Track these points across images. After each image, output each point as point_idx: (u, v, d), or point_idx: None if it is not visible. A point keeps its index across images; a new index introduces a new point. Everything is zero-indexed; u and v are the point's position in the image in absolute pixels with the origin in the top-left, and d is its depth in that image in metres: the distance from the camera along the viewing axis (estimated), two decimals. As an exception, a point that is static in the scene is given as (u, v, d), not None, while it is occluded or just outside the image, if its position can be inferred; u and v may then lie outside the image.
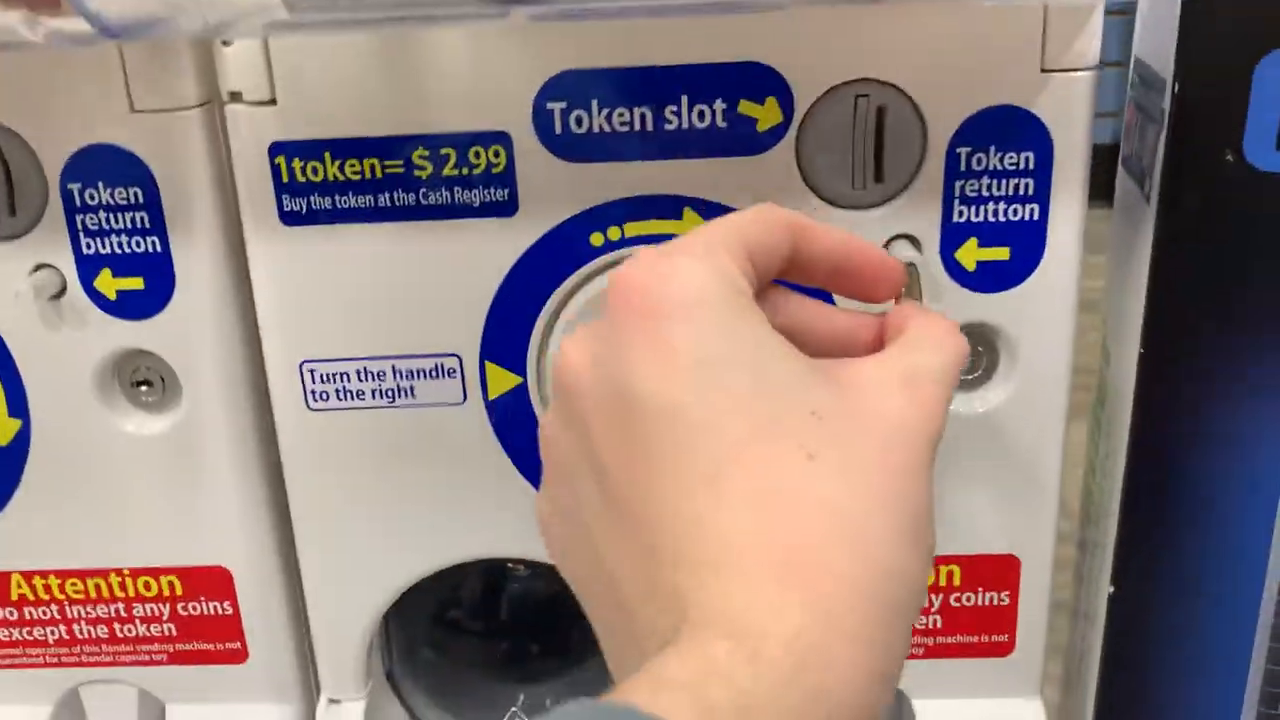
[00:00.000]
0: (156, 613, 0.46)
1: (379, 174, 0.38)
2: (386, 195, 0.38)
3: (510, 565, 0.54)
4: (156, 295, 0.40)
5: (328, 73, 0.37)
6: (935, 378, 0.26)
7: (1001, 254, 0.38)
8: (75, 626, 0.46)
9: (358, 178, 0.38)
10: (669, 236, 0.38)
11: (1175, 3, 0.36)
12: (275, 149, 0.38)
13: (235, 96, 0.37)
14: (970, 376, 0.40)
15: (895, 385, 0.26)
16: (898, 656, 0.23)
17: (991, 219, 0.38)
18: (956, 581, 0.43)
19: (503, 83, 0.37)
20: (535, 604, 0.55)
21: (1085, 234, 0.39)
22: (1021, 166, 0.37)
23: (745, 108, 0.37)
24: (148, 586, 0.45)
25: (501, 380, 0.41)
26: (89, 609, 0.46)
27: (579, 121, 0.37)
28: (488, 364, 0.40)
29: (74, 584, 0.46)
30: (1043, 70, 0.36)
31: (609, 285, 0.26)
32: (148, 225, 0.39)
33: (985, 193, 0.38)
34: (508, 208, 0.38)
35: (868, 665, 0.22)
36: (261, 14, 0.30)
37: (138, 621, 0.46)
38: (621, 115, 0.37)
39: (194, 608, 0.46)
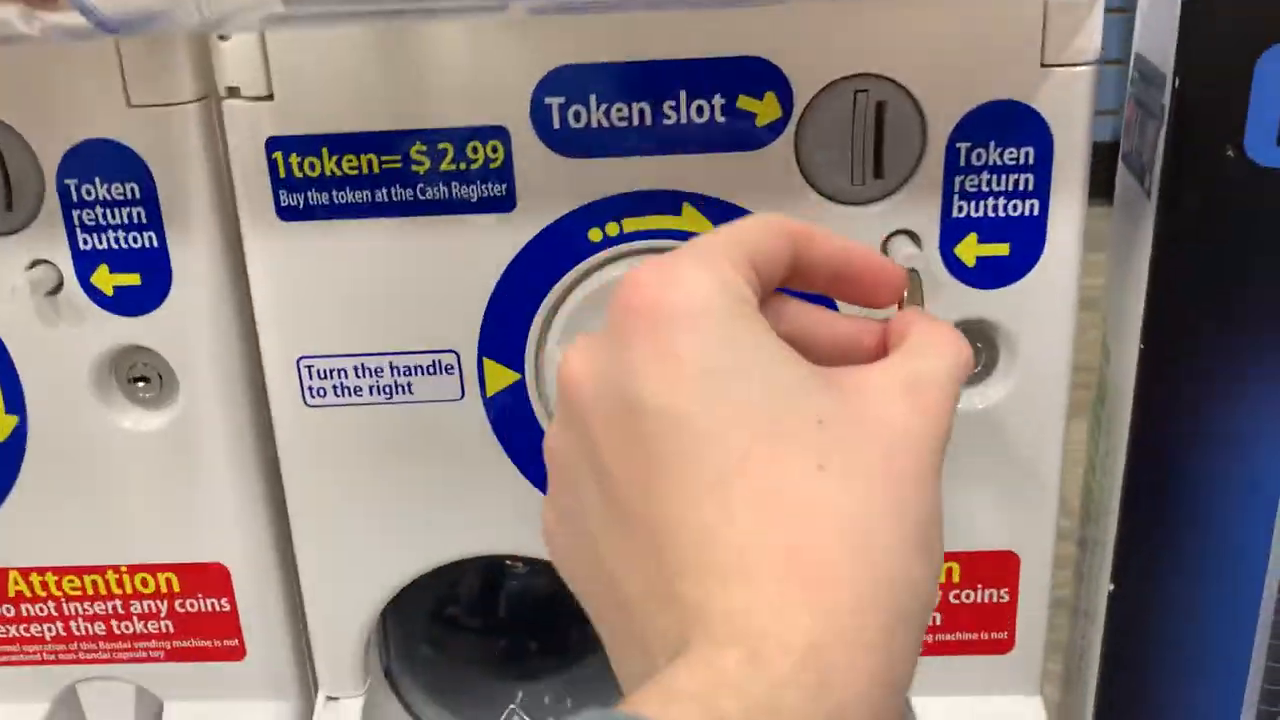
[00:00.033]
0: (154, 609, 0.46)
1: (376, 169, 0.38)
2: (384, 190, 0.38)
3: (508, 562, 0.54)
4: (153, 291, 0.40)
5: (325, 68, 0.37)
6: (939, 383, 0.26)
7: (1001, 250, 0.38)
8: (73, 623, 0.46)
9: (355, 173, 0.38)
10: (667, 232, 0.38)
11: (1176, -2, 0.35)
12: (272, 144, 0.38)
13: (232, 92, 0.37)
14: (970, 373, 0.40)
15: (899, 392, 0.26)
16: (907, 664, 0.23)
17: (991, 214, 0.38)
18: (956, 578, 0.43)
19: (500, 77, 0.36)
20: (533, 601, 0.55)
21: (1085, 232, 0.38)
22: (1021, 162, 0.37)
23: (744, 103, 0.37)
24: (145, 583, 0.45)
25: (499, 376, 0.40)
26: (86, 606, 0.46)
27: (577, 116, 0.37)
28: (486, 360, 0.40)
29: (71, 581, 0.45)
30: (1043, 65, 0.36)
31: (613, 295, 0.26)
32: (144, 221, 0.39)
33: (985, 188, 0.37)
34: (505, 203, 0.38)
35: (877, 674, 0.22)
36: (258, 8, 0.30)
37: (135, 618, 0.46)
38: (620, 110, 0.37)
39: (191, 605, 0.45)
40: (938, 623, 0.44)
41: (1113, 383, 0.43)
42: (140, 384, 0.42)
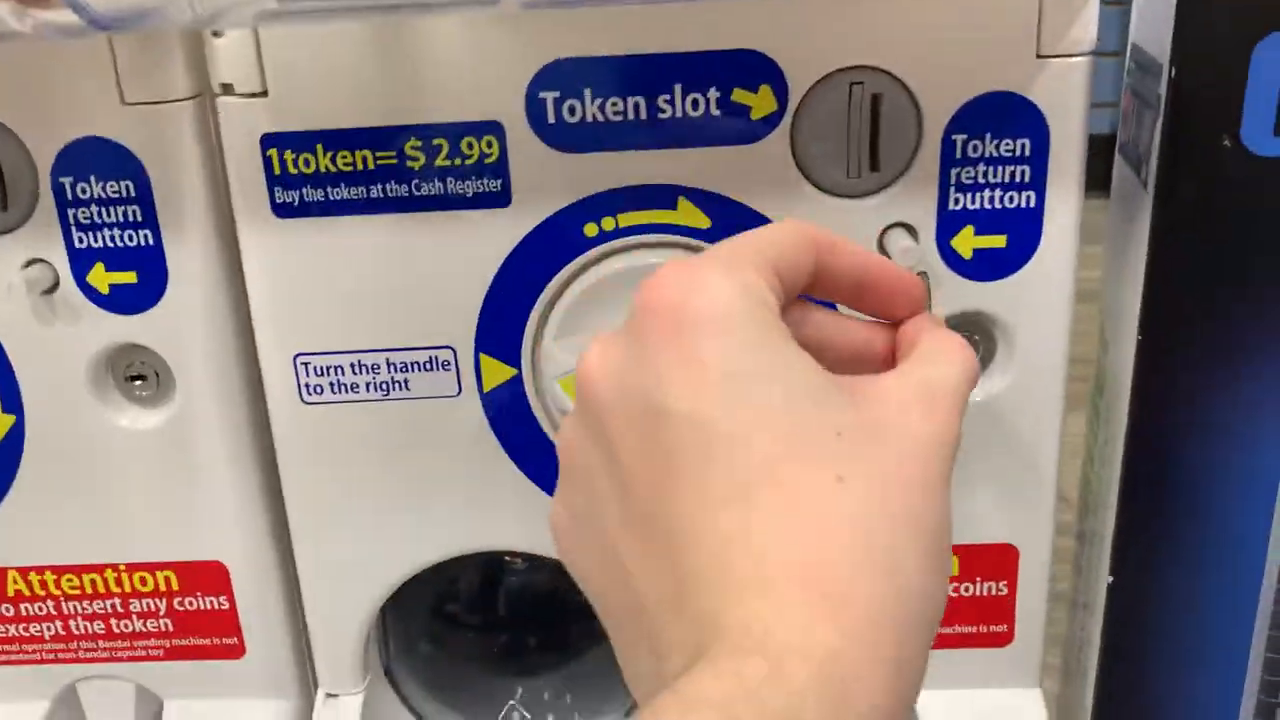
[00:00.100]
0: (153, 608, 0.46)
1: (371, 165, 0.38)
2: (379, 187, 0.38)
3: (508, 559, 0.54)
4: (149, 289, 0.40)
5: (319, 64, 0.37)
6: (951, 392, 0.27)
7: (998, 241, 0.38)
8: (72, 622, 0.46)
9: (350, 169, 0.38)
10: (663, 226, 0.38)
11: (1171, -13, 0.35)
12: (267, 141, 0.38)
13: (226, 88, 0.37)
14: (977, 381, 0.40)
15: (913, 401, 0.26)
16: (918, 675, 0.23)
17: (988, 206, 0.38)
18: (954, 571, 0.43)
19: (495, 72, 0.36)
20: (533, 597, 0.55)
21: (1083, 224, 0.38)
22: (1017, 153, 0.37)
23: (739, 96, 0.36)
24: (144, 582, 0.45)
25: (496, 372, 0.40)
26: (85, 605, 0.46)
27: (572, 111, 0.37)
28: (482, 356, 0.40)
29: (70, 580, 0.45)
30: (1038, 56, 0.36)
31: (636, 297, 0.26)
32: (140, 219, 0.39)
33: (981, 180, 0.37)
34: (501, 198, 0.38)
35: (893, 687, 0.22)
36: (251, 4, 0.30)
37: (134, 617, 0.46)
38: (615, 104, 0.37)
39: (190, 603, 0.45)
40: (937, 616, 0.44)
41: (1111, 374, 0.43)
42: (137, 382, 0.42)
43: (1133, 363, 0.40)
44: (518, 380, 0.40)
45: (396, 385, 0.41)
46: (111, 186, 0.39)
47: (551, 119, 0.37)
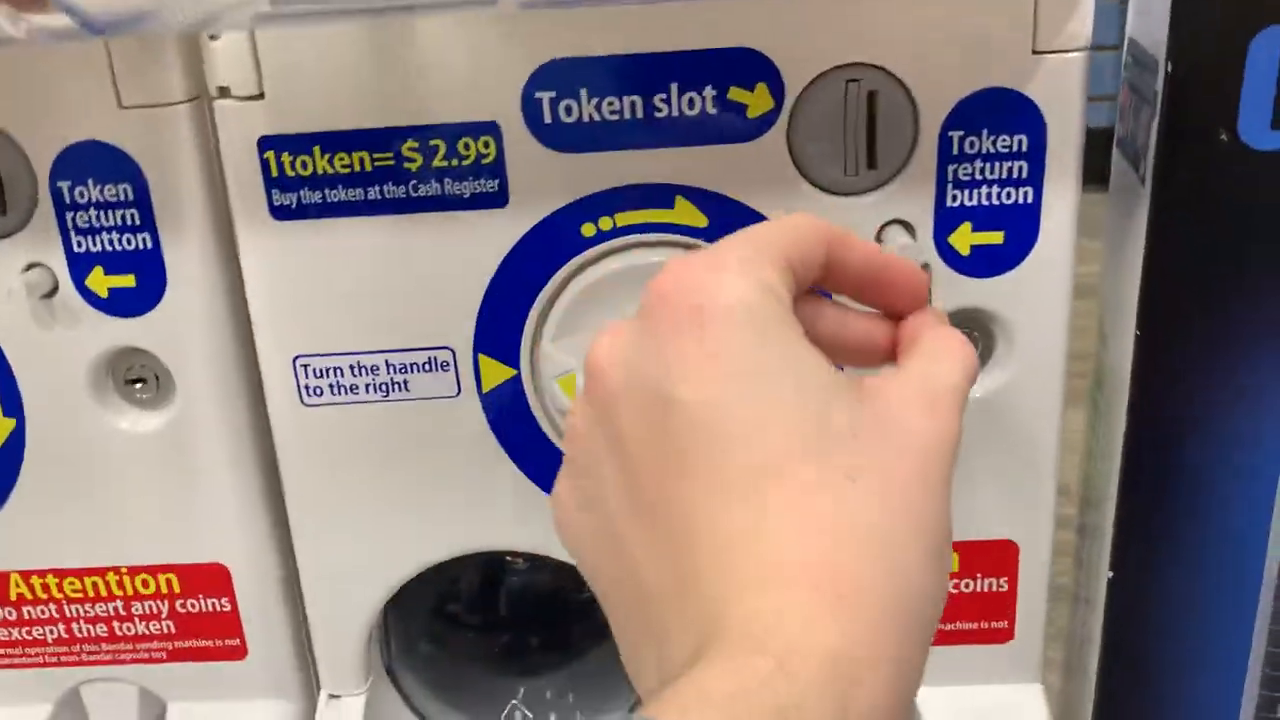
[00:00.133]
0: (155, 610, 0.46)
1: (368, 167, 0.38)
2: (376, 188, 0.38)
3: (509, 558, 0.54)
4: (148, 292, 0.40)
5: (315, 66, 0.37)
6: (952, 391, 0.27)
7: (995, 238, 0.38)
8: (74, 625, 0.46)
9: (347, 171, 0.38)
10: (660, 225, 0.38)
11: (1167, -19, 0.35)
12: (264, 143, 0.38)
13: (223, 91, 0.37)
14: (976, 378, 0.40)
15: (917, 400, 0.26)
16: (919, 674, 0.24)
17: (985, 203, 0.38)
18: (955, 568, 0.43)
19: (491, 73, 0.36)
20: (534, 597, 0.55)
21: (1081, 218, 0.38)
22: (1015, 149, 0.37)
23: (735, 94, 0.36)
24: (146, 584, 0.45)
25: (495, 372, 0.40)
26: (88, 608, 0.46)
27: (568, 110, 0.37)
28: (481, 356, 0.40)
29: (72, 583, 0.45)
30: (1034, 52, 0.36)
31: (649, 287, 0.26)
32: (138, 222, 0.39)
33: (978, 176, 0.37)
34: (498, 199, 0.38)
35: (894, 686, 0.22)
36: (244, 6, 0.30)
37: (137, 620, 0.46)
38: (611, 104, 0.37)
39: (192, 605, 0.46)
40: (937, 612, 0.44)
41: (1110, 368, 0.43)
42: (137, 385, 0.42)
43: (1132, 356, 0.40)
44: (517, 380, 0.40)
45: (396, 386, 0.41)
46: (109, 190, 0.39)
47: (548, 119, 0.37)
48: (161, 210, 0.39)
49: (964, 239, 0.38)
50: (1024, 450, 0.41)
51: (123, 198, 0.39)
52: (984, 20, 0.36)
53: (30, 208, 0.39)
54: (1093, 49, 0.36)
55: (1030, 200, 0.38)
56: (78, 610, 0.46)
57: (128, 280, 0.40)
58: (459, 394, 0.41)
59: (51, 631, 0.47)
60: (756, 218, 0.38)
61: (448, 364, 0.40)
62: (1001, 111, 0.37)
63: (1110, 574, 0.43)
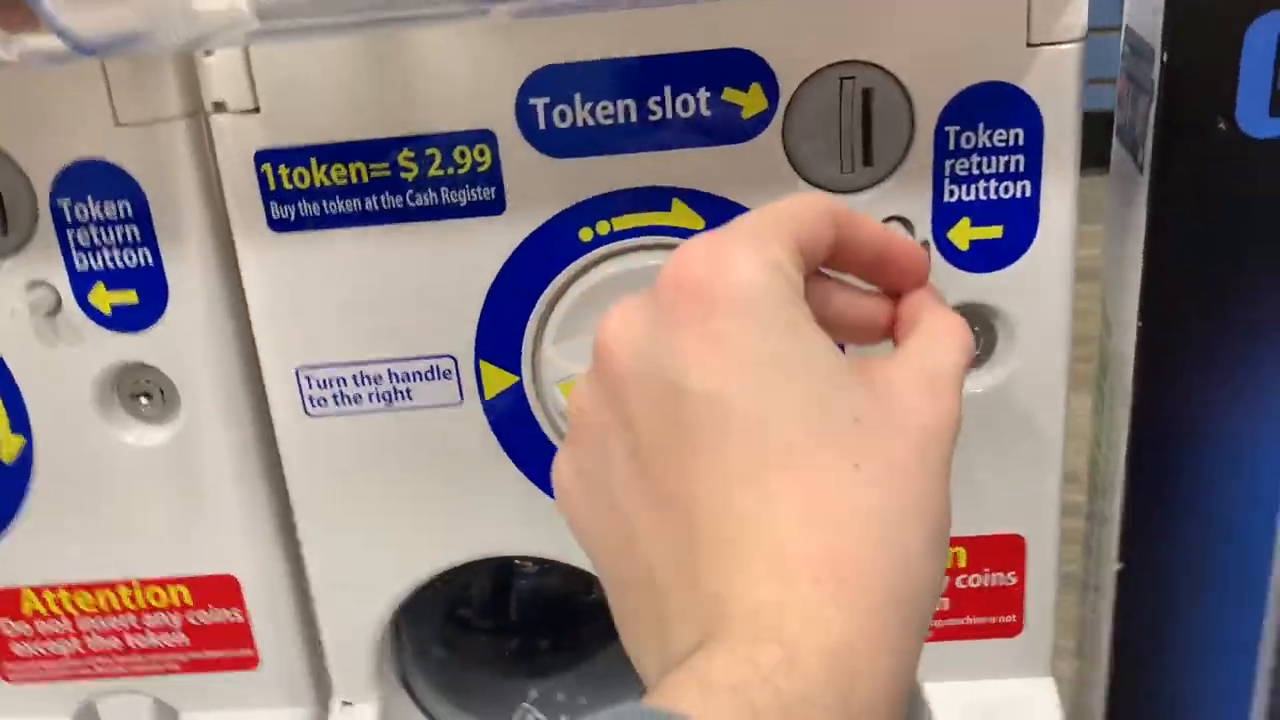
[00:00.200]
0: (167, 623, 0.46)
1: (365, 178, 0.38)
2: (374, 199, 0.38)
3: (518, 562, 0.54)
4: (150, 307, 0.40)
5: (310, 79, 0.37)
6: (951, 374, 0.27)
7: (994, 232, 0.38)
8: (88, 639, 0.47)
9: (344, 182, 0.38)
10: (658, 228, 0.38)
11: (1162, -31, 0.35)
12: (261, 157, 0.38)
13: (219, 106, 0.37)
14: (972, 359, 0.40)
15: (919, 387, 0.26)
16: (916, 659, 0.24)
17: (983, 197, 0.38)
18: (962, 563, 0.43)
19: (484, 80, 0.36)
20: (544, 600, 0.55)
21: (1083, 200, 0.38)
22: (1011, 143, 0.37)
23: (729, 95, 0.36)
24: (157, 597, 0.46)
25: (497, 379, 0.40)
26: (100, 621, 0.46)
27: (563, 116, 0.37)
28: (483, 363, 0.40)
29: (84, 597, 0.46)
30: (1029, 45, 0.36)
31: (662, 270, 0.26)
32: (138, 238, 0.40)
33: (976, 171, 0.37)
34: (495, 206, 0.38)
35: (897, 675, 0.23)
36: (235, 26, 0.30)
37: (149, 632, 0.46)
38: (605, 108, 0.37)
39: (204, 616, 0.46)
40: (946, 608, 0.44)
41: (1114, 355, 0.43)
42: (142, 400, 0.42)
43: (1134, 344, 0.40)
44: (519, 386, 0.40)
45: (399, 395, 0.41)
46: (109, 207, 0.39)
47: (542, 125, 0.37)
48: (161, 226, 0.39)
49: (963, 234, 0.38)
50: (1029, 444, 0.41)
51: (122, 214, 0.39)
52: (978, 14, 0.35)
53: (31, 227, 0.39)
54: (1093, 31, 0.36)
55: (1028, 194, 0.37)
56: (91, 624, 0.46)
57: (130, 296, 0.40)
58: (462, 401, 0.41)
59: (66, 645, 0.47)
60: (754, 218, 0.38)
61: (450, 372, 0.40)
62: (997, 105, 0.36)
63: (1119, 565, 0.43)
